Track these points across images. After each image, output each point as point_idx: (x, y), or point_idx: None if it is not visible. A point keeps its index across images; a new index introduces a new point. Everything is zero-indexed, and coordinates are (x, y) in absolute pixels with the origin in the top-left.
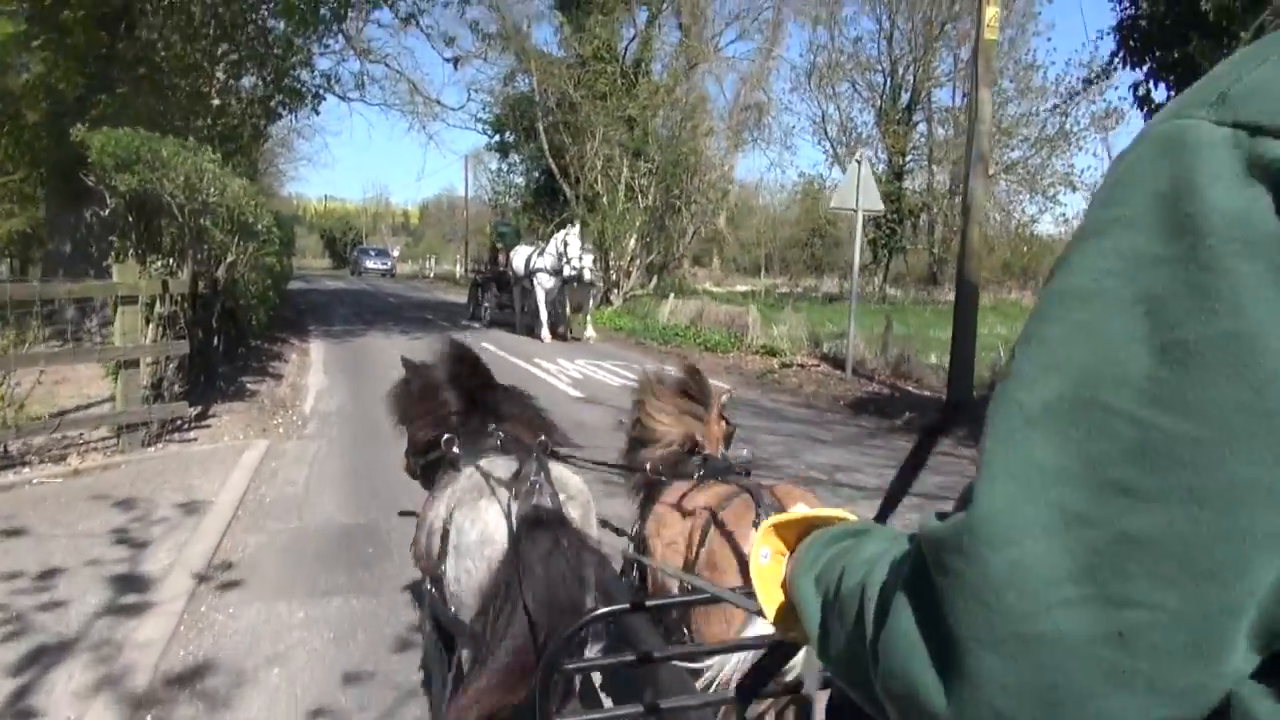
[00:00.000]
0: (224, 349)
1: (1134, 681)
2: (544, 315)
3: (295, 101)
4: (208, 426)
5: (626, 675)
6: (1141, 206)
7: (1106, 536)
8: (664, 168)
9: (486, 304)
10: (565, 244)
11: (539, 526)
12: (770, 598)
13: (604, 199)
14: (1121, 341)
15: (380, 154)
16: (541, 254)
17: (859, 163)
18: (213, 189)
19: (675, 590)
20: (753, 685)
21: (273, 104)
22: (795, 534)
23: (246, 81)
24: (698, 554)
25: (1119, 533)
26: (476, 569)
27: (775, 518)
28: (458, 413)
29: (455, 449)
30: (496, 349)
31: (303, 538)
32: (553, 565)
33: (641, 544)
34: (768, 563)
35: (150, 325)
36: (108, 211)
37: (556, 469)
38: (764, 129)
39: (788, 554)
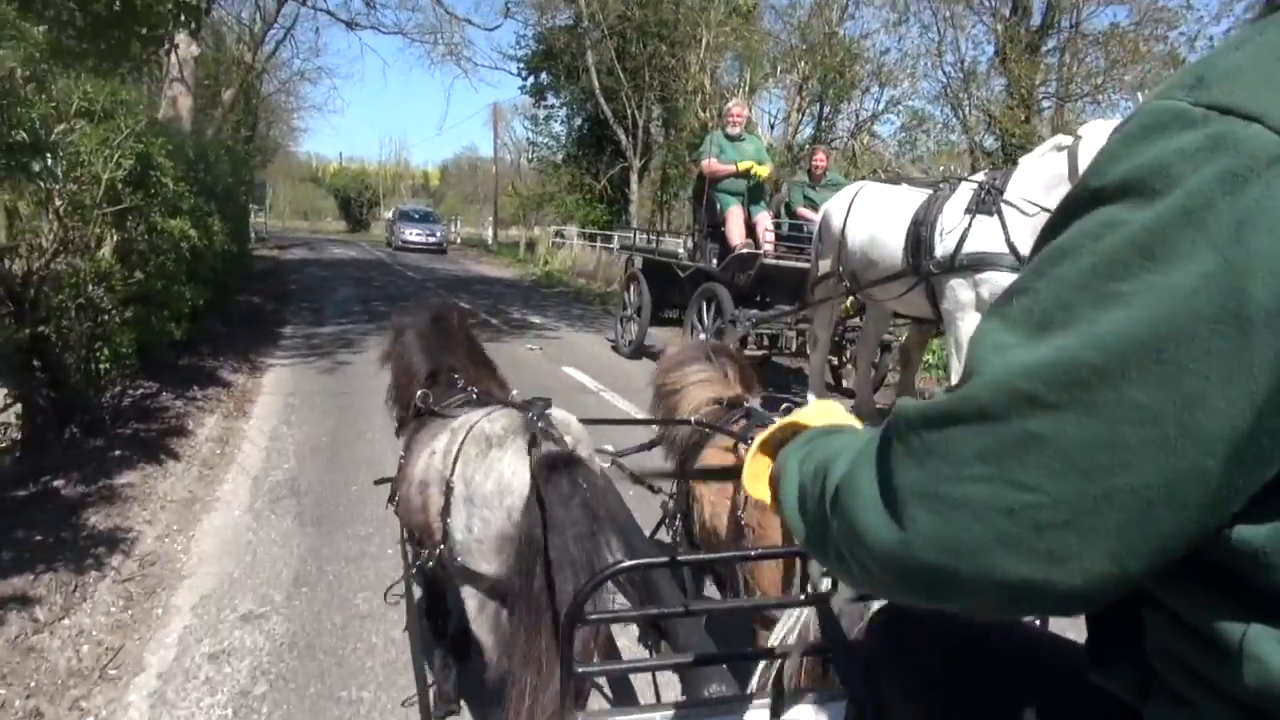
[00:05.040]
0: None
1: (1017, 545)
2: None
3: None
4: None
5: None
6: (1117, 177)
7: (1016, 433)
8: (824, 77)
9: (714, 328)
10: None
11: (558, 470)
12: (757, 477)
13: None
14: (1073, 290)
15: (397, 107)
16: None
17: None
18: None
19: (724, 538)
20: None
21: None
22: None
23: None
24: (747, 501)
25: (1026, 432)
26: (495, 518)
27: (764, 433)
28: (429, 371)
29: (428, 404)
30: None
31: None
32: (574, 508)
33: (685, 497)
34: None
35: None
36: None
37: (554, 412)
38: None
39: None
